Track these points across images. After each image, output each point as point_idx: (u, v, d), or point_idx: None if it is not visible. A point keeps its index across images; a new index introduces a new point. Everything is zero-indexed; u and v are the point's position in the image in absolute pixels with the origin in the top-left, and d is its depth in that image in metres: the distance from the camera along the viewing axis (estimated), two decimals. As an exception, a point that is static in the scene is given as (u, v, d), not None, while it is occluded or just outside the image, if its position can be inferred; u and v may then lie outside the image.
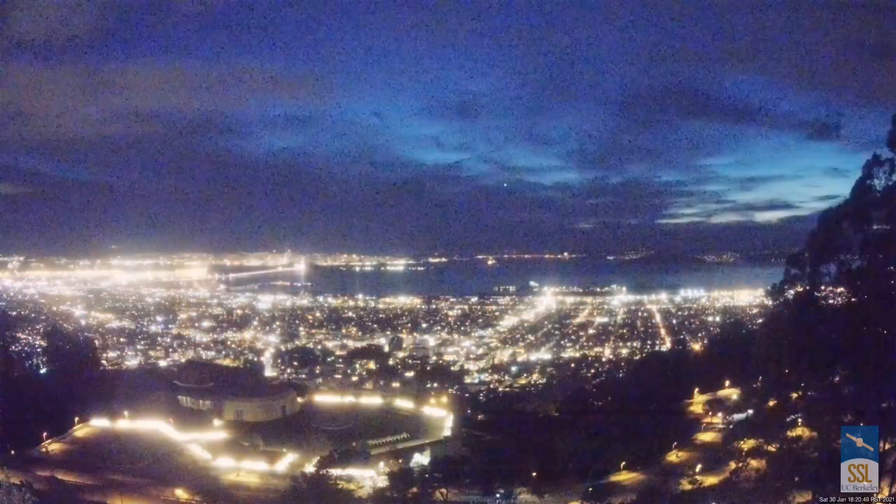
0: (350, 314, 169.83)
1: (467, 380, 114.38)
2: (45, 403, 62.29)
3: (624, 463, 54.65)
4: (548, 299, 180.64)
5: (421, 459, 60.41)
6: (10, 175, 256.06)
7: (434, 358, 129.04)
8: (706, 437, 60.71)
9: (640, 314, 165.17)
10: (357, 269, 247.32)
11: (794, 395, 41.21)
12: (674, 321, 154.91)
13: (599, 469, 53.00)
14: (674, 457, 57.11)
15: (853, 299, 38.88)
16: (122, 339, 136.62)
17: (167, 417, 68.81)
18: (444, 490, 49.15)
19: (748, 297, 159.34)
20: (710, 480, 47.58)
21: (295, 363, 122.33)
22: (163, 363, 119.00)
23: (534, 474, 52.13)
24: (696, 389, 73.02)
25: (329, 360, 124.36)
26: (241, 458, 59.43)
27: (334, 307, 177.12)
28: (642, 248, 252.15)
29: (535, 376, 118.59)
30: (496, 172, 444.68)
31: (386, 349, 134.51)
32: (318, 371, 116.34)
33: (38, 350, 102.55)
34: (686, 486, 47.57)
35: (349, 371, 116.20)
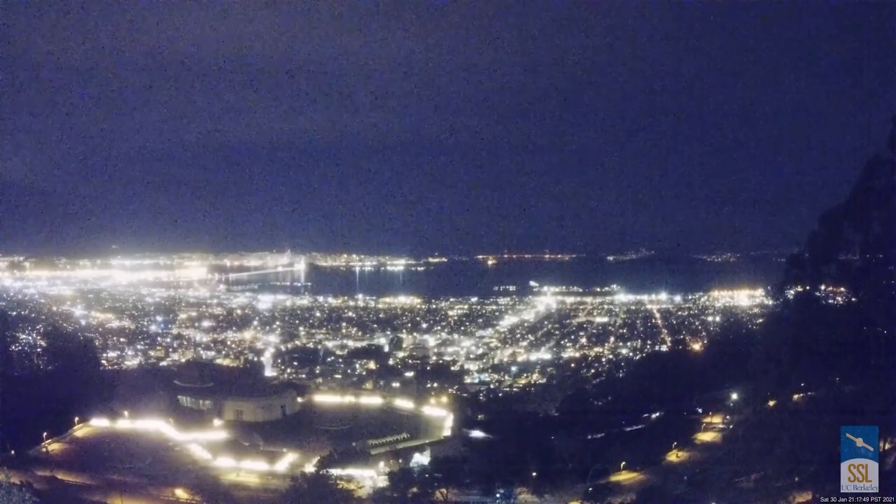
0: (350, 314, 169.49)
1: (467, 380, 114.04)
2: (45, 403, 62.27)
3: (624, 463, 54.66)
4: (548, 299, 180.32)
5: (421, 459, 60.43)
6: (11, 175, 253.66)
7: (434, 358, 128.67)
8: (706, 437, 60.75)
9: (639, 314, 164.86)
10: (357, 268, 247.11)
11: (794, 396, 41.19)
12: (674, 321, 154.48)
13: (599, 469, 53.02)
14: (674, 457, 57.19)
15: (853, 299, 38.90)
16: (122, 339, 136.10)
17: (167, 417, 68.97)
18: (444, 490, 49.25)
19: (748, 297, 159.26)
20: (710, 480, 47.61)
21: (295, 363, 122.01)
22: (163, 363, 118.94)
23: (534, 474, 52.12)
24: (697, 389, 72.99)
25: (329, 360, 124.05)
26: (241, 458, 59.58)
27: (334, 307, 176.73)
28: (642, 248, 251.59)
29: (535, 376, 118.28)
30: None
31: (386, 349, 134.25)
32: (318, 371, 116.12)
33: (38, 350, 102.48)
34: (686, 486, 47.63)
35: (349, 371, 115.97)
